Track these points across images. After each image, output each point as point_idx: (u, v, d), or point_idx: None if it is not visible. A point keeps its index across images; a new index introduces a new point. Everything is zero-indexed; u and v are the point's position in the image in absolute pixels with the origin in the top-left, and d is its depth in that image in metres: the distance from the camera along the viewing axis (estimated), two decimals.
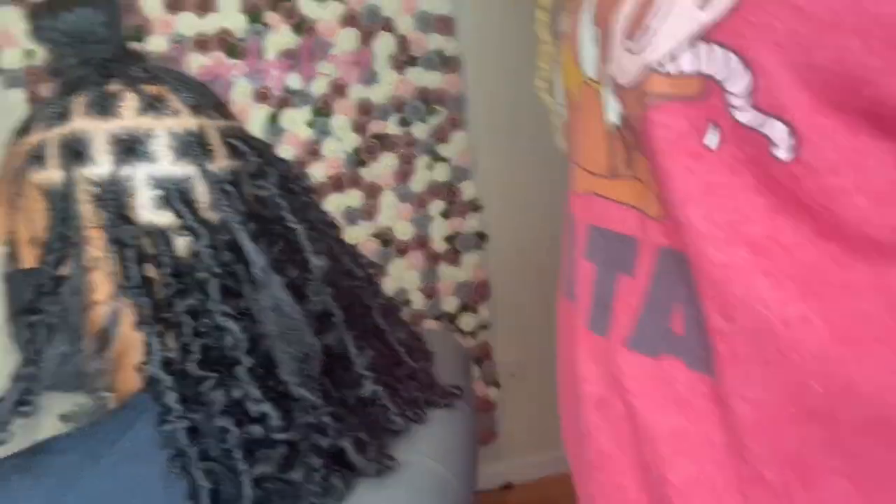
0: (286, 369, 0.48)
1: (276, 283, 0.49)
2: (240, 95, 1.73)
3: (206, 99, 0.53)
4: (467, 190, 1.92)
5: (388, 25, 1.81)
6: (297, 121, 1.78)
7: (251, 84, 1.75)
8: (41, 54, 1.63)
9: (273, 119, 1.76)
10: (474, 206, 1.93)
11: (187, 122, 0.50)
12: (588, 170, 0.45)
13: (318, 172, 1.80)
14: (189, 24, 1.69)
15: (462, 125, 1.90)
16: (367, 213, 1.84)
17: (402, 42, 1.82)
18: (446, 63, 1.86)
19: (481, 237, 1.94)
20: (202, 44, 1.70)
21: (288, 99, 1.77)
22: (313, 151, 1.80)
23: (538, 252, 2.00)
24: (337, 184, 1.82)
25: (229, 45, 1.72)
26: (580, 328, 0.44)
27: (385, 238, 1.86)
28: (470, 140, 1.91)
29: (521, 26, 1.93)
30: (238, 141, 0.53)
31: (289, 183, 0.55)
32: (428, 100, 1.86)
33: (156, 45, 1.67)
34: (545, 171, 1.98)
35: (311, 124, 1.79)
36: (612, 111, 0.40)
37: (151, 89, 0.51)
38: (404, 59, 1.83)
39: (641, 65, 0.35)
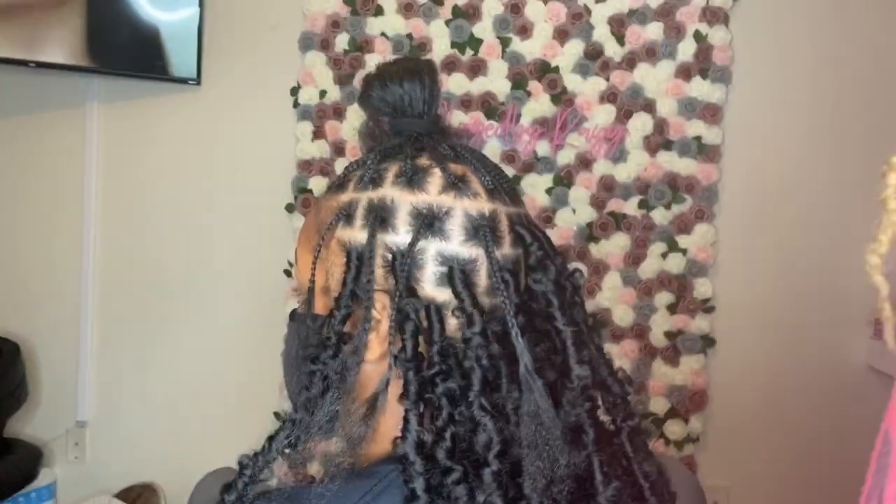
0: (532, 484, 0.45)
1: (539, 387, 0.47)
2: (489, 155, 1.80)
3: (503, 184, 0.54)
4: (701, 287, 1.77)
5: (648, 106, 1.76)
6: (537, 186, 1.80)
7: (501, 146, 1.81)
8: (332, 94, 1.86)
9: (515, 182, 1.80)
10: (706, 307, 1.77)
11: (483, 205, 0.51)
12: None
13: None
14: (459, 84, 1.81)
15: (708, 218, 1.77)
16: (588, 290, 1.78)
17: (661, 124, 1.76)
18: (703, 151, 1.76)
19: (707, 341, 1.77)
20: (466, 103, 1.81)
21: (533, 164, 1.80)
22: (546, 219, 1.80)
23: (770, 370, 1.76)
24: (563, 255, 1.79)
25: (490, 106, 1.80)
26: None
27: (601, 320, 1.78)
28: (714, 235, 1.77)
29: (793, 124, 1.76)
30: (525, 230, 0.53)
31: (562, 279, 0.53)
32: (675, 186, 1.77)
33: None
34: (793, 283, 1.76)
35: (549, 192, 1.80)
36: None
37: (456, 168, 0.52)
38: (659, 141, 1.77)
39: None
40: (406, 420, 0.46)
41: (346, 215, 0.52)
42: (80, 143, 1.94)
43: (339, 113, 1.86)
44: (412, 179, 0.51)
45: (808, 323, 1.76)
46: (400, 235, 0.50)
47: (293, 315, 0.57)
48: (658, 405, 1.77)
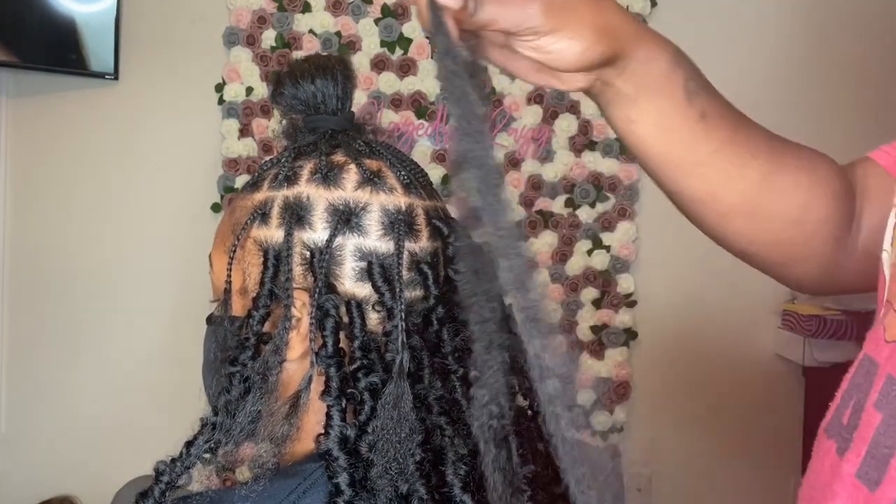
0: (454, 470, 0.46)
1: (406, 386, 0.47)
2: (419, 154, 1.81)
3: (419, 178, 0.54)
4: (624, 283, 1.84)
5: (573, 107, 1.82)
6: None
7: (432, 145, 1.83)
8: (259, 91, 1.82)
9: (446, 180, 1.82)
10: (628, 302, 1.85)
11: (399, 200, 0.51)
12: None
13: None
14: (389, 83, 1.81)
15: (630, 216, 1.84)
16: None
17: (584, 125, 1.82)
18: (624, 151, 1.83)
19: (630, 335, 1.85)
20: (397, 102, 1.81)
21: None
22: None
23: (688, 359, 1.86)
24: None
25: (420, 106, 1.81)
26: (846, 476, 0.41)
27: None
28: (635, 232, 1.85)
29: None
30: (441, 223, 0.53)
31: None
32: (599, 185, 1.83)
33: (356, 98, 1.80)
34: (708, 277, 1.85)
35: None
36: None
37: (371, 164, 0.52)
38: (583, 141, 1.83)
39: None
40: (329, 416, 0.46)
41: (262, 214, 0.51)
42: None
43: (266, 111, 1.82)
44: (327, 176, 0.51)
45: (722, 314, 1.86)
46: (317, 232, 0.50)
47: (210, 319, 0.56)
48: (584, 397, 1.83)
